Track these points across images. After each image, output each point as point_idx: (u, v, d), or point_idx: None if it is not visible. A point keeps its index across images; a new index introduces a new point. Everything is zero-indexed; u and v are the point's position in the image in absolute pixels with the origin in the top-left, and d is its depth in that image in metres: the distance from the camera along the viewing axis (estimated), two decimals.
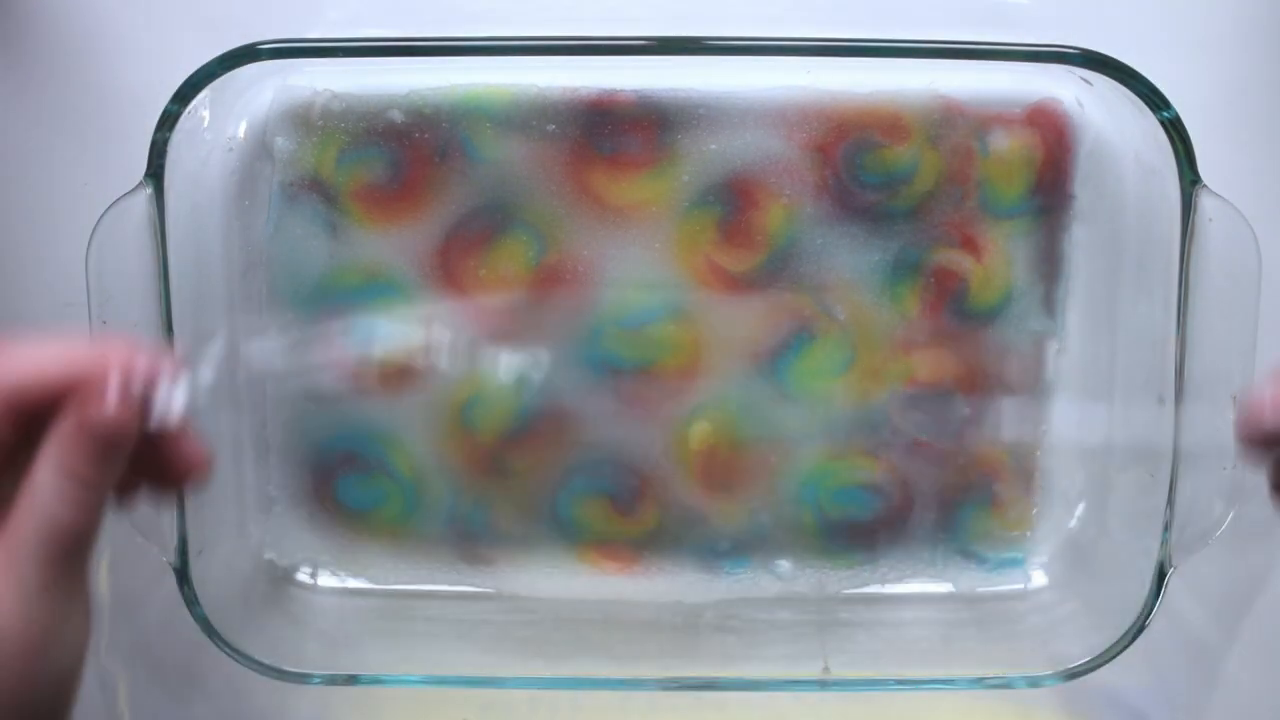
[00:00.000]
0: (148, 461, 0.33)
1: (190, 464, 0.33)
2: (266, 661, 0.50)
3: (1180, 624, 0.52)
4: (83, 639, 0.32)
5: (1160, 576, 0.47)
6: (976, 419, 0.52)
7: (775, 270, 0.50)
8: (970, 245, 0.50)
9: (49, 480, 0.31)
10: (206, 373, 0.33)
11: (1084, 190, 0.50)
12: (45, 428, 0.31)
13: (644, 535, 0.53)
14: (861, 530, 0.53)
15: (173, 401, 0.31)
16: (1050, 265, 0.51)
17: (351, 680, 0.50)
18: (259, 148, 0.49)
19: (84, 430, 0.31)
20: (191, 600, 0.48)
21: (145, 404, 0.31)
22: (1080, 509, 0.53)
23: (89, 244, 0.44)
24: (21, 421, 0.31)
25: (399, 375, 0.51)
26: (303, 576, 0.54)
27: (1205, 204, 0.44)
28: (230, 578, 0.51)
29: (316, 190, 0.50)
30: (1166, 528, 0.47)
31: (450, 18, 0.47)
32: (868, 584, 0.54)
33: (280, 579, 0.54)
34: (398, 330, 0.46)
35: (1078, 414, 0.52)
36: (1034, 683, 0.50)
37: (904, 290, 0.51)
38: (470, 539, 0.53)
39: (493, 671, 0.51)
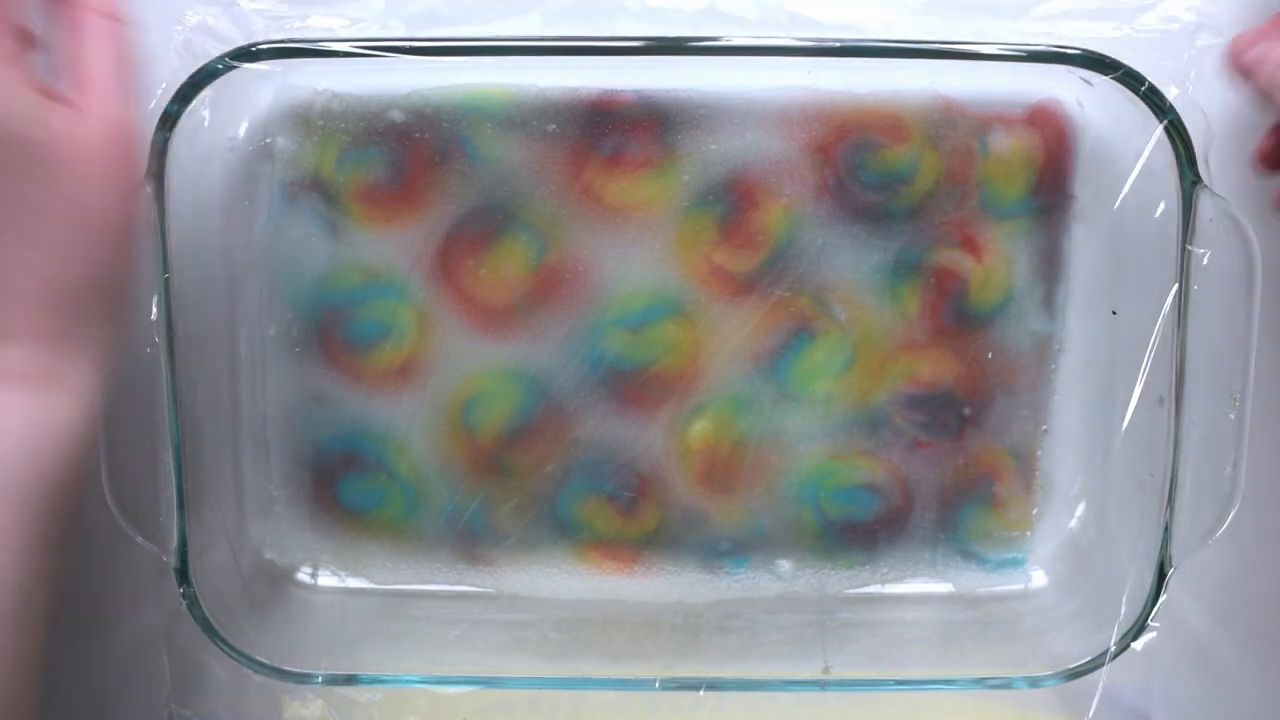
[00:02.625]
0: None
1: None
2: (266, 661, 0.50)
3: (1180, 624, 0.52)
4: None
5: (1160, 576, 0.47)
6: (976, 419, 0.52)
7: (775, 270, 0.50)
8: (970, 245, 0.50)
9: None
10: None
11: (1084, 190, 0.50)
12: None
13: (644, 535, 0.53)
14: (861, 530, 0.53)
15: None
16: (1050, 265, 0.51)
17: (351, 680, 0.50)
18: (259, 148, 0.49)
19: None
20: (191, 600, 0.48)
21: None
22: (1080, 509, 0.53)
23: None
24: None
25: (399, 373, 0.51)
26: (303, 576, 0.54)
27: (1205, 204, 0.44)
28: (230, 578, 0.51)
29: (316, 190, 0.50)
30: (1166, 528, 0.47)
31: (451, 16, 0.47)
32: (868, 584, 0.54)
33: (280, 579, 0.54)
34: None
35: (1078, 414, 0.52)
36: (1034, 683, 0.50)
37: (904, 290, 0.51)
38: (470, 539, 0.53)
39: (493, 671, 0.51)
